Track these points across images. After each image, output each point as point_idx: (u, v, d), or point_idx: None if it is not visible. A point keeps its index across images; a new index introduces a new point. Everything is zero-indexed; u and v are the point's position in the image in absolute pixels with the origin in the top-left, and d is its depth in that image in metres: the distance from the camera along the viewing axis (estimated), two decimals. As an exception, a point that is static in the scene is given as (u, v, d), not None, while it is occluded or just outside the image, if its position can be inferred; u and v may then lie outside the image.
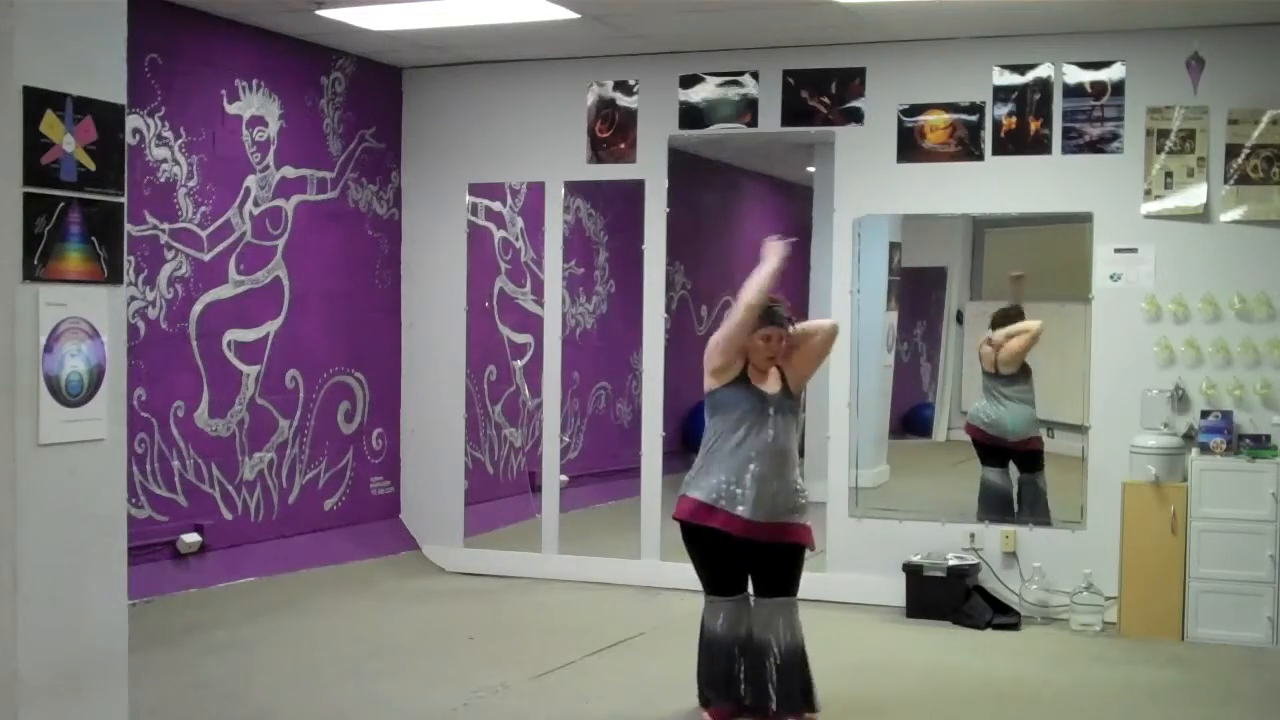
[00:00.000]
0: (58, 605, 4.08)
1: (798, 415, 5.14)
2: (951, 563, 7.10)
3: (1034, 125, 7.20)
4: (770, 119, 7.66)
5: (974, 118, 7.30)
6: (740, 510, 4.91)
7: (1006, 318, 7.83)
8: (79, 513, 4.14)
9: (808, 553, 5.12)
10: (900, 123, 7.42)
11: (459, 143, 8.31)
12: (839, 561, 7.47)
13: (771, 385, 5.04)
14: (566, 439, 9.04)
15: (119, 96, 4.25)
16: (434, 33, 7.48)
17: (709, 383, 5.04)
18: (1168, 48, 6.90)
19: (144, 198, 6.69)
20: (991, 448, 7.80)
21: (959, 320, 8.93)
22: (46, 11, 4.01)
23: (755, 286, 4.93)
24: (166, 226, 6.88)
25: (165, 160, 6.87)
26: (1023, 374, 7.75)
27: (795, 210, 10.87)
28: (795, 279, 10.73)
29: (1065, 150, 7.15)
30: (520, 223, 9.21)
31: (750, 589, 5.09)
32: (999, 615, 6.98)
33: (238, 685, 5.68)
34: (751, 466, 4.92)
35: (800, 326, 5.11)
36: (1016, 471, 7.70)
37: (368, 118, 8.21)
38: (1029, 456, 7.65)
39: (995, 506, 7.58)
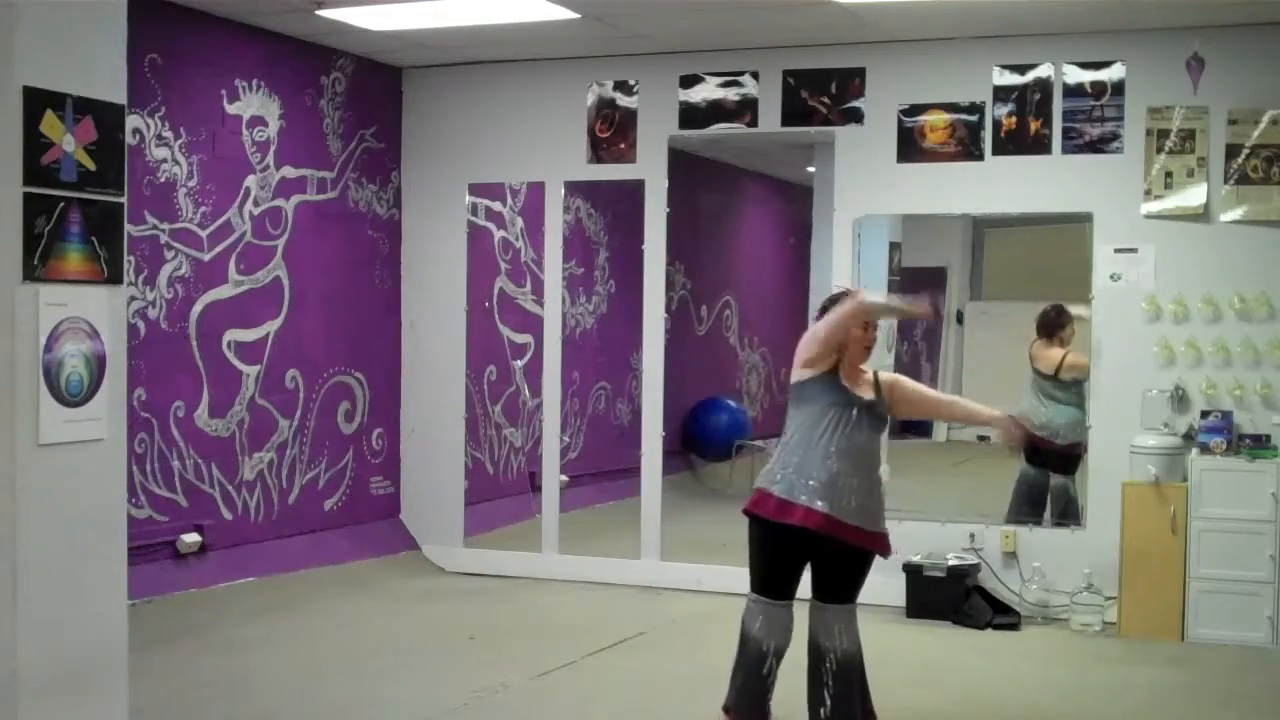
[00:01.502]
0: (58, 605, 4.08)
1: (885, 424, 4.95)
2: (951, 563, 7.09)
3: (1034, 125, 7.19)
4: (770, 119, 7.65)
5: (974, 118, 7.30)
6: (820, 505, 4.66)
7: (1048, 320, 7.61)
8: (79, 513, 4.13)
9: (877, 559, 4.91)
10: (900, 123, 7.42)
11: (459, 143, 8.31)
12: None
13: (864, 392, 4.84)
14: (566, 439, 9.04)
15: (119, 96, 4.25)
16: (434, 33, 7.48)
17: (798, 374, 4.85)
18: (1168, 48, 6.90)
19: (144, 198, 6.69)
20: (1035, 448, 7.64)
21: (959, 320, 8.93)
22: (46, 11, 4.01)
23: (882, 300, 5.07)
24: (166, 226, 6.88)
25: (165, 160, 6.86)
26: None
27: (795, 210, 10.87)
28: (795, 279, 10.76)
29: (1065, 150, 7.15)
30: (520, 223, 9.20)
31: (811, 591, 4.87)
32: (999, 615, 6.98)
33: (238, 685, 5.68)
34: (830, 463, 4.70)
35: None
36: (1051, 473, 7.62)
37: (368, 118, 8.21)
38: (1069, 460, 7.53)
39: (1031, 503, 7.53)
